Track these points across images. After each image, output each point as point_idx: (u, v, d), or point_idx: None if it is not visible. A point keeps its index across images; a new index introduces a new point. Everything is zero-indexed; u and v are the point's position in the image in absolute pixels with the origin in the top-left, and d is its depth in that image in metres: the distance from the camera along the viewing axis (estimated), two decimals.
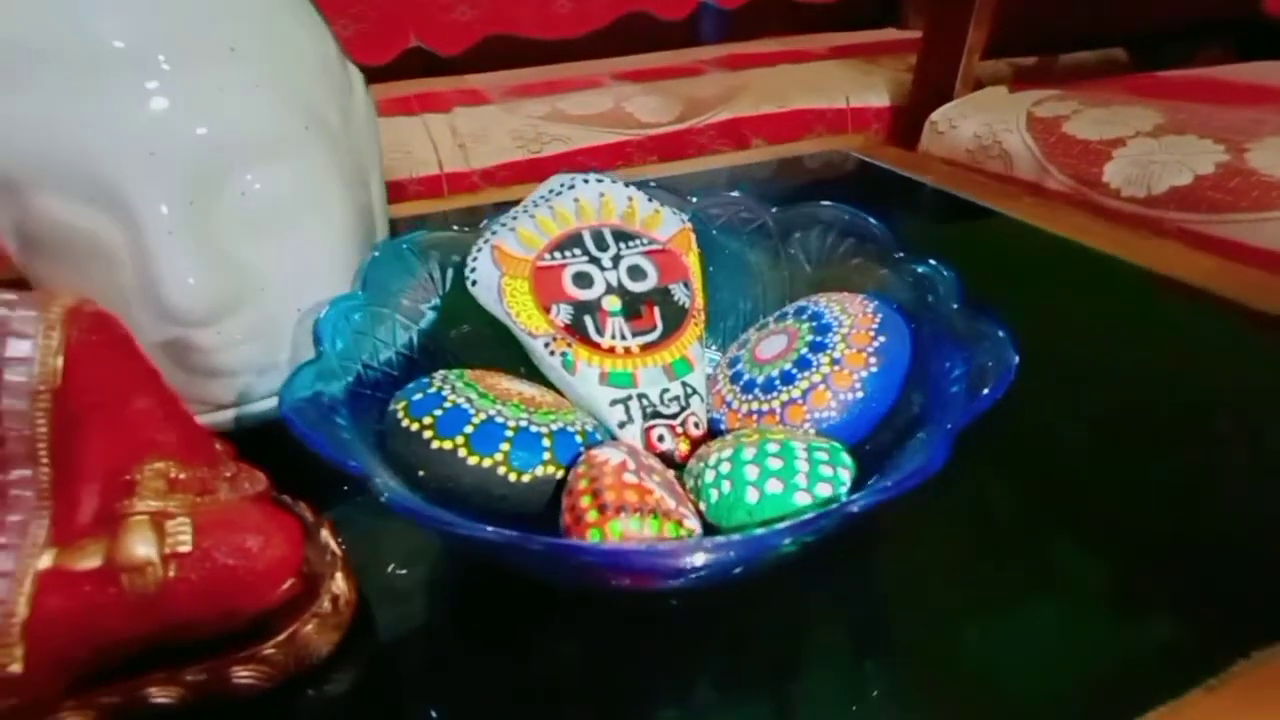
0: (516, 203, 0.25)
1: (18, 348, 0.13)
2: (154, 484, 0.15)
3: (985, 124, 0.76)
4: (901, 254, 0.21)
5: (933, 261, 0.20)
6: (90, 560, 0.14)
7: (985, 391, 0.15)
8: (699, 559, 0.12)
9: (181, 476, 0.15)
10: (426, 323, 0.24)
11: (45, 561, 0.14)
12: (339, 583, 0.17)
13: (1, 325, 0.13)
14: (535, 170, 0.78)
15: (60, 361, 0.13)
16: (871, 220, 0.22)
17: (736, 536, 0.12)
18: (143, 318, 0.19)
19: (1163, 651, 0.17)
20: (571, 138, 0.79)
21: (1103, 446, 0.23)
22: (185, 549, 0.14)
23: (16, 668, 0.13)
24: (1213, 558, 0.19)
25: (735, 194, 0.26)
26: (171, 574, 0.14)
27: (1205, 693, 0.15)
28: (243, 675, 0.15)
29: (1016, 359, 0.15)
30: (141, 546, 0.14)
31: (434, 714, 0.16)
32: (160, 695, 0.15)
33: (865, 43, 1.20)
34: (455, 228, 0.25)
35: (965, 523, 0.20)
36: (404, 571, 0.19)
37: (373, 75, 1.10)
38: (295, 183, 0.20)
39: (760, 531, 0.12)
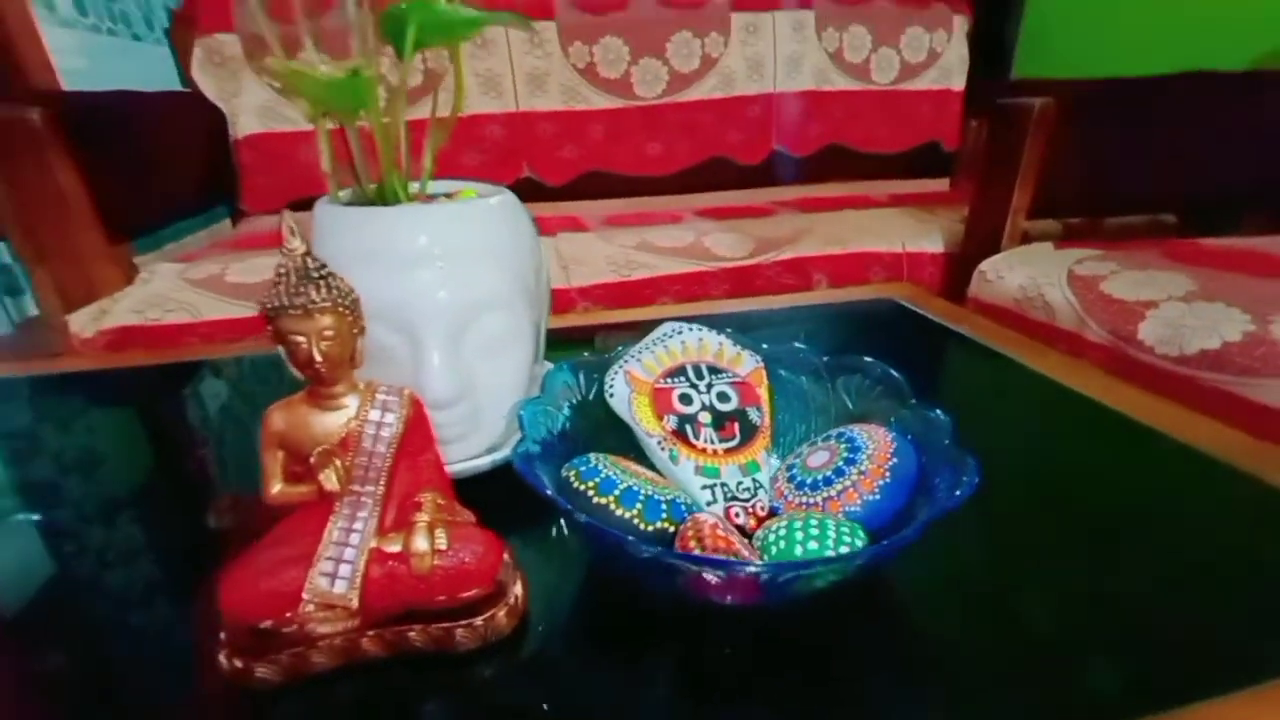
0: (611, 326, 0.35)
1: (389, 416, 0.23)
2: (430, 505, 0.24)
3: (1030, 277, 0.85)
4: (915, 400, 0.30)
5: (938, 411, 0.28)
6: (394, 546, 0.23)
7: (958, 492, 0.23)
8: (762, 574, 0.20)
9: (441, 503, 0.25)
10: (569, 412, 0.33)
11: (372, 543, 0.23)
12: (518, 588, 0.26)
13: (384, 406, 0.23)
14: (623, 290, 0.92)
15: (403, 426, 0.24)
16: (896, 374, 0.31)
17: (785, 562, 0.20)
18: None
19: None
20: (657, 266, 0.93)
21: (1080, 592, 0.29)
22: (443, 548, 0.24)
23: (355, 603, 0.22)
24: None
25: (798, 345, 0.35)
26: (435, 562, 0.23)
27: None
28: (461, 636, 0.24)
29: (978, 479, 0.23)
30: (422, 542, 0.23)
31: (574, 680, 0.24)
32: (416, 638, 0.23)
33: (922, 193, 1.34)
34: (588, 354, 0.35)
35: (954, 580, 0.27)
36: (556, 585, 0.27)
37: None
38: (506, 325, 0.31)
39: (799, 560, 0.20)
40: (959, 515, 0.27)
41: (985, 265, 0.92)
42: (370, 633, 0.23)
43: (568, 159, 1.33)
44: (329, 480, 0.22)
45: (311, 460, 0.22)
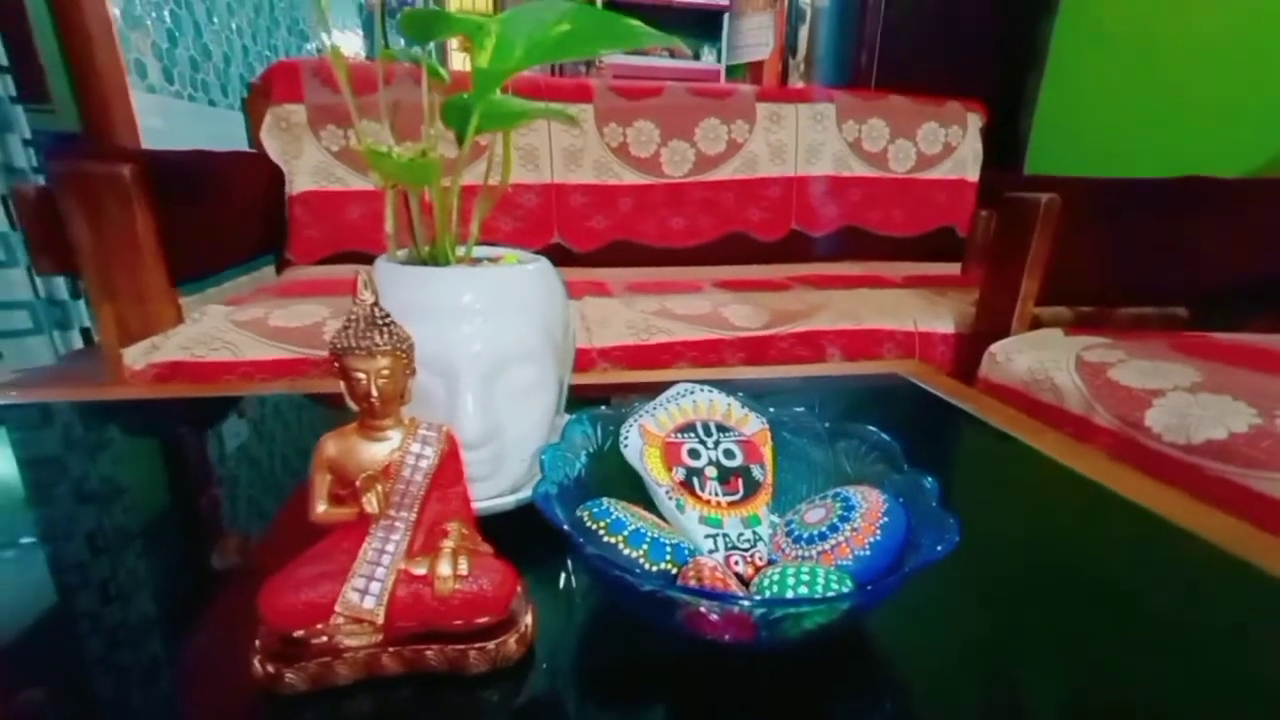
0: (628, 387, 0.38)
1: (428, 450, 0.26)
2: (456, 534, 0.27)
3: (1039, 360, 0.87)
4: (907, 466, 0.32)
5: (929, 478, 0.30)
6: (420, 568, 0.26)
7: (939, 548, 0.25)
8: (755, 610, 0.22)
9: (465, 533, 0.27)
10: (586, 459, 0.36)
11: (401, 564, 0.26)
12: (528, 618, 0.27)
13: (424, 440, 0.26)
14: (642, 353, 0.95)
15: (439, 460, 0.26)
16: (891, 440, 0.33)
17: (776, 598, 0.22)
18: None
19: None
20: (675, 331, 0.97)
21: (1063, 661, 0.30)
22: (464, 573, 0.26)
23: (381, 618, 0.24)
24: None
25: (801, 410, 0.38)
26: (456, 586, 0.26)
27: None
28: (473, 658, 0.26)
29: (958, 539, 0.25)
30: (446, 566, 0.26)
31: (578, 701, 0.25)
32: (432, 657, 0.25)
33: (934, 275, 1.38)
34: (605, 407, 0.38)
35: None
36: (564, 619, 0.29)
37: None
38: (534, 376, 0.34)
39: (788, 599, 0.22)
40: (948, 584, 0.29)
41: (995, 347, 0.94)
42: (391, 649, 0.25)
43: (596, 228, 1.41)
44: (370, 503, 0.25)
45: (357, 484, 0.25)
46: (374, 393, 0.24)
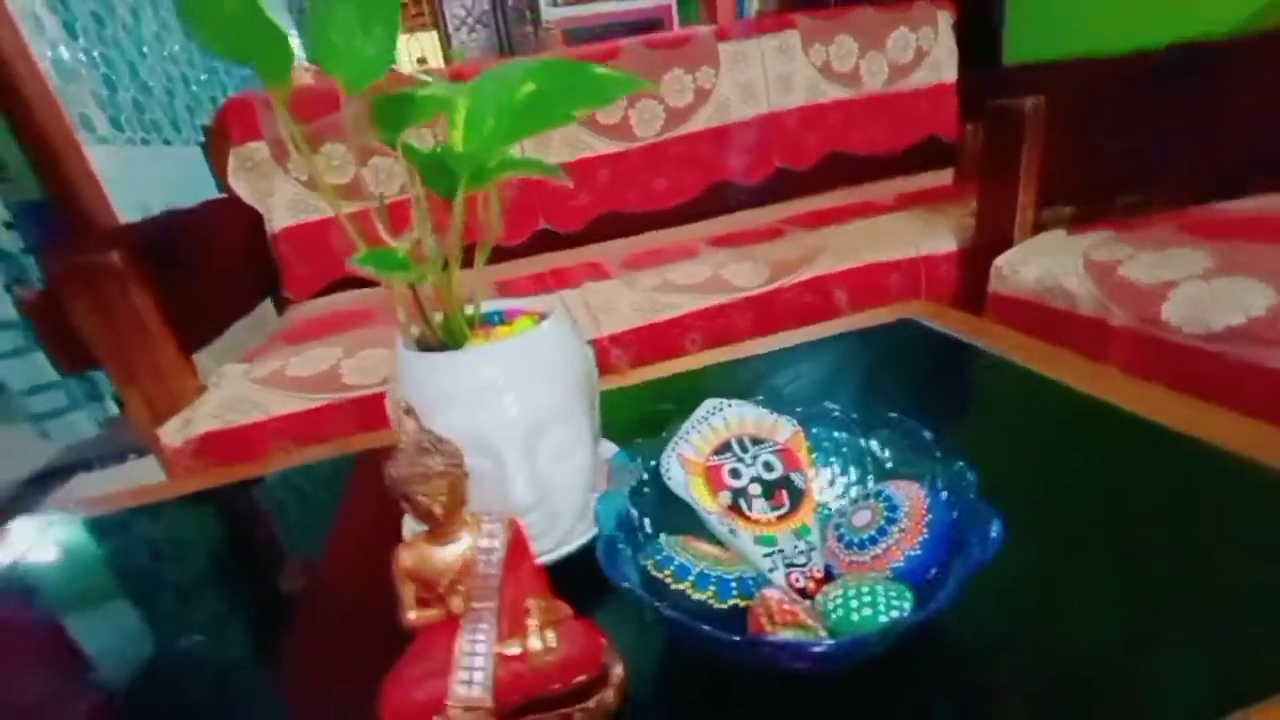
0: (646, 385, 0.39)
1: (495, 542, 0.28)
2: (536, 610, 0.29)
3: (1046, 268, 0.86)
4: (940, 454, 0.33)
5: (961, 463, 0.32)
6: (514, 649, 0.28)
7: (990, 540, 0.26)
8: (828, 650, 0.24)
9: (544, 606, 0.29)
10: (632, 493, 0.38)
11: (496, 649, 0.28)
12: (618, 668, 0.30)
13: (490, 535, 0.28)
14: (652, 333, 0.96)
15: (507, 549, 0.28)
16: (926, 432, 0.34)
17: (844, 639, 0.24)
18: (495, 510, 0.34)
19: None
20: (680, 305, 0.97)
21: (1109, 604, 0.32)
22: (554, 645, 0.28)
23: (490, 702, 0.27)
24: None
25: (830, 405, 0.39)
26: (549, 658, 0.28)
27: None
28: (578, 717, 0.28)
29: (1002, 534, 0.26)
30: (537, 643, 0.28)
31: None
32: None
33: (928, 189, 1.36)
34: (639, 440, 0.39)
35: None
36: (645, 655, 0.32)
37: (511, 253, 1.37)
38: (571, 433, 0.35)
39: (857, 636, 0.24)
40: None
41: (1000, 260, 0.94)
42: None
43: (579, 206, 1.39)
44: (456, 605, 0.27)
45: (441, 591, 0.27)
46: (437, 511, 0.26)
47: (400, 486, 0.25)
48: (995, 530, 0.26)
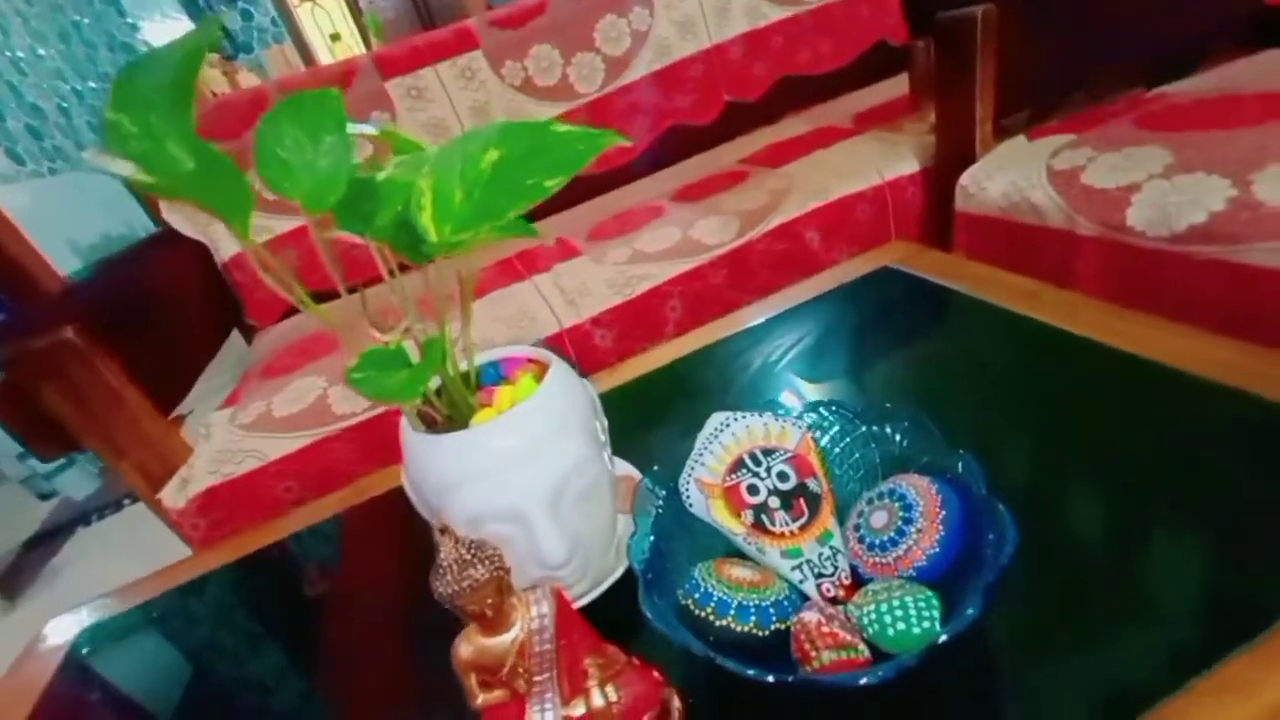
0: (647, 377, 0.39)
1: (545, 619, 0.29)
2: (594, 668, 0.30)
3: (1011, 183, 0.86)
4: (945, 445, 0.35)
5: (964, 453, 0.33)
6: (579, 710, 0.29)
7: (1006, 546, 0.28)
8: (870, 679, 0.26)
9: (600, 662, 0.31)
10: (656, 520, 0.39)
11: (563, 713, 0.29)
12: (676, 702, 0.32)
13: (540, 616, 0.29)
14: (632, 309, 0.95)
15: (556, 622, 0.29)
16: (931, 424, 0.36)
17: (885, 663, 0.26)
18: (531, 569, 0.35)
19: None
20: (655, 275, 0.96)
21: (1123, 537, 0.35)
22: (615, 699, 0.30)
23: None
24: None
25: (834, 402, 0.40)
26: (614, 711, 0.30)
27: None
28: None
29: (1016, 535, 0.28)
30: (599, 699, 0.29)
31: None
32: None
33: (884, 103, 1.33)
34: (655, 467, 0.40)
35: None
36: (697, 683, 0.34)
37: None
38: (591, 479, 0.36)
39: (896, 660, 0.26)
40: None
41: (965, 178, 0.93)
42: None
43: None
44: (520, 687, 0.28)
45: (503, 678, 0.28)
46: (488, 614, 0.27)
47: (449, 602, 0.26)
48: (1010, 536, 0.27)
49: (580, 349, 0.93)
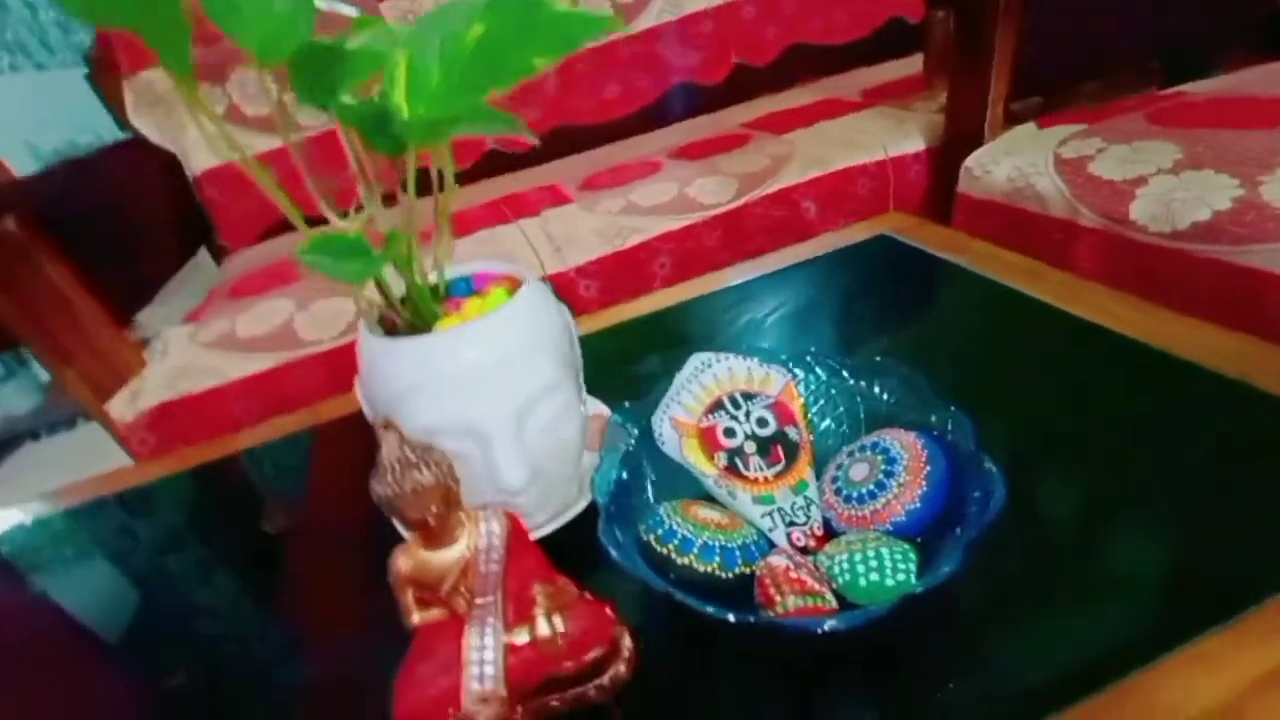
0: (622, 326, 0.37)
1: (494, 540, 0.27)
2: (541, 596, 0.28)
3: (1016, 167, 0.84)
4: (935, 400, 0.33)
5: (954, 409, 0.31)
6: (522, 637, 0.28)
7: (993, 502, 0.26)
8: (836, 626, 0.24)
9: (549, 590, 0.29)
10: (625, 457, 0.37)
11: (505, 639, 0.27)
12: (627, 641, 0.30)
13: (489, 534, 0.27)
14: (620, 261, 0.92)
15: (506, 544, 0.27)
16: (923, 380, 0.34)
17: (854, 611, 0.24)
18: (486, 492, 0.33)
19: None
20: (647, 228, 0.93)
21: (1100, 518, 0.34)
22: (562, 629, 0.28)
23: (504, 691, 0.27)
24: None
25: (818, 351, 0.38)
26: (559, 642, 0.28)
27: None
28: (594, 694, 0.29)
29: (1005, 496, 0.26)
30: (545, 629, 0.28)
31: (695, 704, 0.29)
32: (558, 704, 0.28)
33: (895, 80, 1.29)
34: (627, 403, 0.38)
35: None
36: (652, 620, 0.32)
37: (458, 179, 1.27)
38: (559, 405, 0.33)
39: (865, 610, 0.24)
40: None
41: (970, 161, 0.91)
42: (519, 709, 0.28)
43: (528, 121, 1.28)
44: (461, 607, 0.26)
45: (443, 596, 0.26)
46: (431, 522, 0.24)
47: (389, 505, 0.24)
48: (998, 494, 0.26)
49: (563, 297, 0.90)
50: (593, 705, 0.29)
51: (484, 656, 0.27)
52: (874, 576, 0.26)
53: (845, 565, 0.27)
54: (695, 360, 0.37)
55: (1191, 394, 0.40)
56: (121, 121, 1.10)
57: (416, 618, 0.27)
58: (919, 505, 0.29)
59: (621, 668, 0.29)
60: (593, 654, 0.28)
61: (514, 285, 0.36)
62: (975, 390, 0.31)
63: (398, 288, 0.34)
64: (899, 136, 1.02)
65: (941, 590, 0.24)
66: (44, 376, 1.79)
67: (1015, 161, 0.85)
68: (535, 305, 0.33)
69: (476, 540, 0.27)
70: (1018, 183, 0.84)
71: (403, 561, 0.26)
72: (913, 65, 1.41)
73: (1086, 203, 0.76)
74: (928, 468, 0.30)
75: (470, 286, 0.36)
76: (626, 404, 0.37)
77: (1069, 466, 0.37)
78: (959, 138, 0.95)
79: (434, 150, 0.33)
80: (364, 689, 0.27)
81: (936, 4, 1.07)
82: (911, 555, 0.27)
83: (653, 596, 0.34)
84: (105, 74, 1.08)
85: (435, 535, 0.26)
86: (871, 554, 0.27)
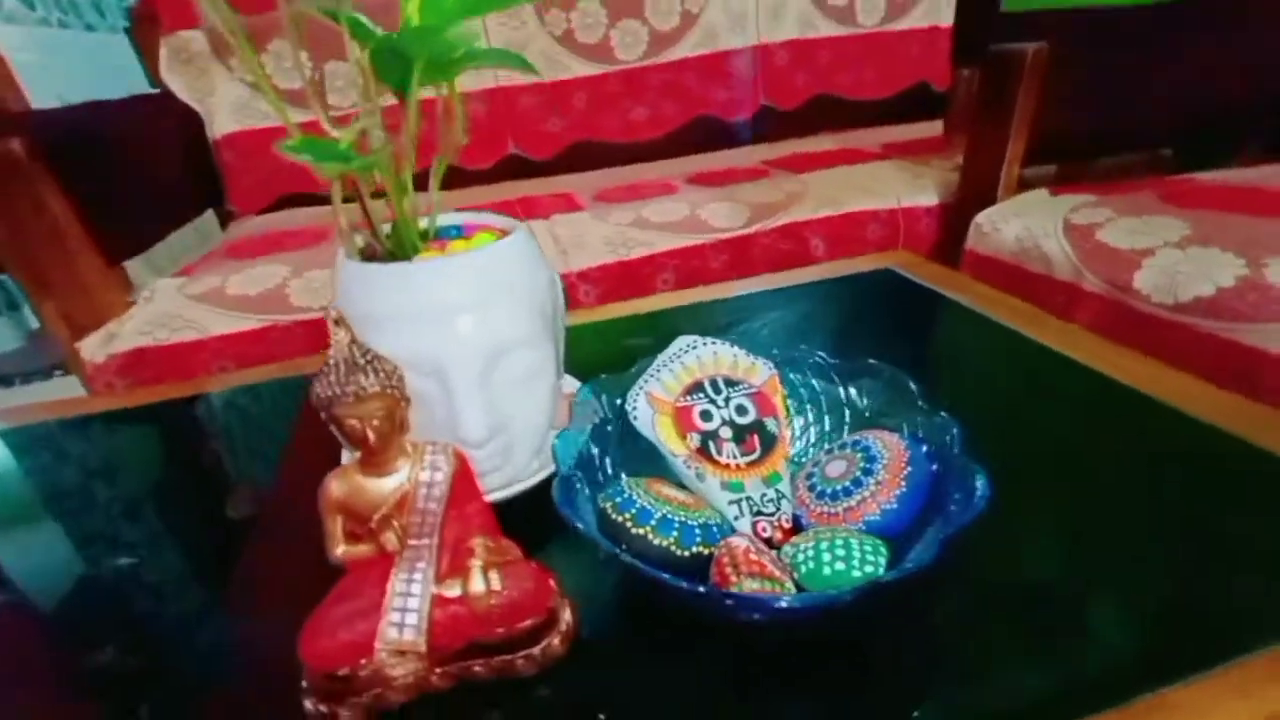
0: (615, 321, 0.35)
1: (438, 475, 0.25)
2: (481, 549, 0.26)
3: (1026, 228, 0.85)
4: (924, 404, 0.31)
5: (944, 414, 0.30)
6: (453, 590, 0.25)
7: (976, 499, 0.25)
8: (792, 603, 0.22)
9: (490, 545, 0.27)
10: (593, 431, 0.35)
11: (433, 590, 0.25)
12: (567, 614, 0.28)
13: (433, 466, 0.25)
14: (623, 271, 0.92)
15: (450, 482, 0.25)
16: (910, 381, 0.32)
17: (815, 593, 0.22)
18: (442, 439, 0.31)
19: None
20: (654, 243, 0.93)
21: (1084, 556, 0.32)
22: (498, 587, 0.26)
23: (423, 646, 0.24)
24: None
25: (806, 349, 0.36)
26: (492, 601, 0.25)
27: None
28: (521, 665, 0.26)
29: (988, 493, 0.24)
30: (479, 584, 0.25)
31: (628, 694, 0.26)
32: (481, 670, 0.26)
33: (915, 139, 1.32)
34: (605, 375, 0.36)
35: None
36: (600, 600, 0.30)
37: (477, 178, 1.29)
38: (532, 360, 0.32)
39: (827, 593, 0.22)
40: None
41: (981, 218, 0.92)
42: (439, 670, 0.25)
43: (552, 132, 1.31)
44: (390, 542, 0.24)
45: (372, 526, 0.24)
46: (371, 437, 0.22)
47: (328, 407, 0.22)
48: (981, 488, 0.24)
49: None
50: (518, 678, 0.26)
51: (408, 604, 0.25)
52: (839, 566, 0.24)
53: (810, 553, 0.25)
54: (681, 341, 0.36)
55: (1187, 441, 0.39)
56: (153, 78, 1.11)
57: (341, 550, 0.25)
58: (896, 505, 0.27)
59: (556, 641, 0.27)
60: (527, 622, 0.26)
61: (505, 236, 0.34)
62: (971, 425, 0.29)
63: (386, 227, 0.33)
64: (913, 189, 1.03)
65: (914, 595, 0.22)
66: (33, 323, 1.77)
67: (1025, 222, 0.85)
68: (521, 253, 0.32)
69: (419, 473, 0.25)
70: (1025, 243, 0.84)
71: (335, 485, 0.24)
72: (933, 129, 1.44)
73: (1092, 268, 0.76)
74: (909, 469, 0.28)
75: (460, 233, 0.35)
76: (604, 375, 0.35)
77: (1058, 500, 0.35)
78: (972, 194, 0.96)
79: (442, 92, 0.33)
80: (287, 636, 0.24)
81: (963, 63, 1.10)
82: (882, 549, 0.25)
83: (601, 575, 0.32)
84: (144, 31, 1.10)
85: (375, 457, 0.24)
86: (840, 543, 0.25)
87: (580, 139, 1.33)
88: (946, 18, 1.39)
